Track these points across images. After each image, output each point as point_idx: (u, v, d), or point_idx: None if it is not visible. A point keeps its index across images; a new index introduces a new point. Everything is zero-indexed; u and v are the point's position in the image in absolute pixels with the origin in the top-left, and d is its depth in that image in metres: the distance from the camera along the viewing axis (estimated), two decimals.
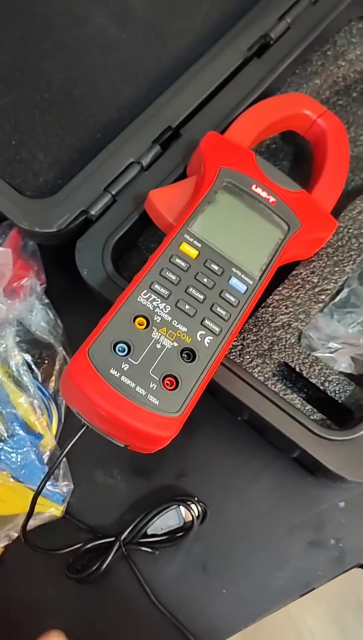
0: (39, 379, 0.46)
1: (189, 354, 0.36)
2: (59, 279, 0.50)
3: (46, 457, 0.44)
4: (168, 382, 0.34)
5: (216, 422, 0.46)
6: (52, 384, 0.46)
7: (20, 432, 0.42)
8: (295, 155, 0.53)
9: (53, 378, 0.46)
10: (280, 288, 0.45)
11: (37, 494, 0.36)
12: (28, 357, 0.45)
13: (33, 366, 0.46)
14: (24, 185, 0.47)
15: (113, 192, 0.45)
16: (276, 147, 0.53)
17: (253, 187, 0.42)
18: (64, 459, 0.44)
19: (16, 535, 0.43)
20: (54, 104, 0.49)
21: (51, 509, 0.43)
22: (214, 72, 0.49)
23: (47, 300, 0.47)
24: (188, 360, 0.35)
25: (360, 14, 0.54)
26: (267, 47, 0.51)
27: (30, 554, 0.42)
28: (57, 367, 0.46)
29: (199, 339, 0.36)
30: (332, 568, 0.43)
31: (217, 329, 0.37)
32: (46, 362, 0.46)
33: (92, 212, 0.44)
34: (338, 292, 0.46)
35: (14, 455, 0.42)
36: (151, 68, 0.51)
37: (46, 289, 0.49)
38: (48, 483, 0.43)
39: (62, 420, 0.45)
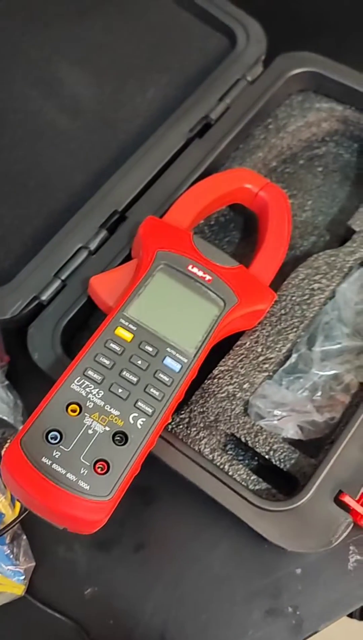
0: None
1: (121, 437, 0.37)
2: (22, 358, 0.52)
3: (8, 537, 0.45)
4: (100, 467, 0.36)
5: (174, 492, 0.47)
6: None
7: None
8: (246, 226, 0.55)
9: None
10: (225, 359, 0.47)
11: None
12: None
13: None
14: None
15: (63, 277, 0.48)
16: (227, 219, 0.55)
17: (190, 267, 0.44)
18: (24, 537, 0.46)
19: None
20: (10, 195, 0.52)
21: (12, 589, 0.44)
22: (157, 155, 0.52)
23: (7, 382, 0.49)
24: (120, 444, 0.37)
25: (299, 87, 0.57)
26: (208, 127, 0.54)
27: None
28: None
29: (131, 422, 0.38)
30: (290, 637, 0.43)
31: (150, 410, 0.38)
32: (8, 441, 0.48)
33: (43, 298, 0.47)
34: (285, 360, 0.48)
35: None
36: (100, 154, 0.54)
37: (9, 367, 0.51)
38: (8, 562, 0.44)
39: None
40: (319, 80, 0.57)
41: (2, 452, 0.47)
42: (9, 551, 0.45)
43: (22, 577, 0.44)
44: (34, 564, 0.45)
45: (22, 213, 0.52)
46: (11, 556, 0.45)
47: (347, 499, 0.41)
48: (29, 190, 0.52)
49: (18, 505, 0.47)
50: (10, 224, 0.51)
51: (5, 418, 0.48)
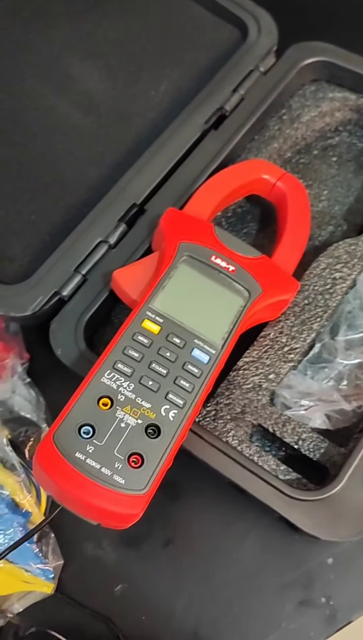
0: (26, 456, 0.47)
1: (154, 430, 0.37)
2: (43, 354, 0.51)
3: (36, 535, 0.45)
4: (134, 460, 0.36)
5: (200, 486, 0.47)
6: None
7: (7, 512, 0.44)
8: (263, 217, 0.55)
9: None
10: (250, 350, 0.46)
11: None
12: (11, 436, 0.47)
13: (19, 445, 0.47)
14: (1, 272, 0.49)
15: (83, 272, 0.47)
16: (244, 210, 0.55)
17: (213, 258, 0.44)
18: (52, 535, 0.45)
19: (10, 616, 0.44)
20: (26, 192, 0.52)
21: (41, 587, 0.44)
22: (174, 147, 0.52)
23: (28, 379, 0.49)
24: (153, 436, 0.37)
25: (312, 77, 0.56)
26: (223, 119, 0.53)
27: None
28: None
29: (163, 414, 0.37)
30: (324, 628, 0.43)
31: (181, 402, 0.38)
32: (32, 439, 0.48)
33: (64, 293, 0.47)
34: (309, 349, 0.47)
35: (1, 536, 0.43)
36: (115, 148, 0.54)
37: (30, 364, 0.51)
38: (37, 561, 0.44)
39: None
40: (332, 70, 0.56)
41: (27, 450, 0.47)
42: (37, 550, 0.44)
43: (52, 575, 0.44)
44: (62, 562, 0.45)
45: (39, 208, 0.51)
46: (40, 554, 0.44)
47: None
48: (44, 185, 0.52)
49: (44, 503, 0.46)
50: (27, 219, 0.51)
51: (28, 416, 0.48)
